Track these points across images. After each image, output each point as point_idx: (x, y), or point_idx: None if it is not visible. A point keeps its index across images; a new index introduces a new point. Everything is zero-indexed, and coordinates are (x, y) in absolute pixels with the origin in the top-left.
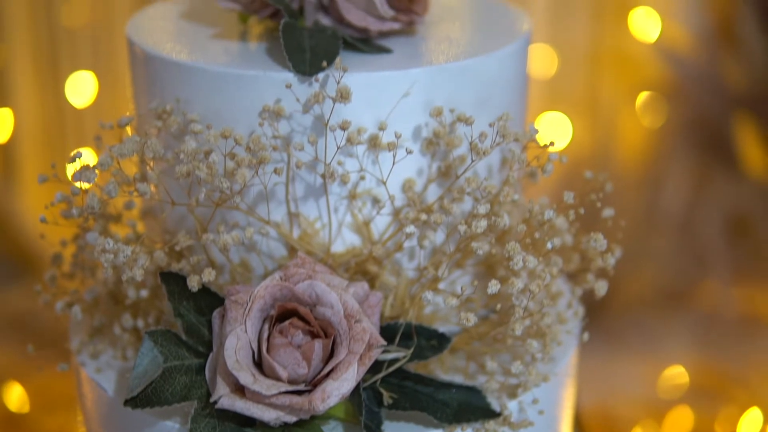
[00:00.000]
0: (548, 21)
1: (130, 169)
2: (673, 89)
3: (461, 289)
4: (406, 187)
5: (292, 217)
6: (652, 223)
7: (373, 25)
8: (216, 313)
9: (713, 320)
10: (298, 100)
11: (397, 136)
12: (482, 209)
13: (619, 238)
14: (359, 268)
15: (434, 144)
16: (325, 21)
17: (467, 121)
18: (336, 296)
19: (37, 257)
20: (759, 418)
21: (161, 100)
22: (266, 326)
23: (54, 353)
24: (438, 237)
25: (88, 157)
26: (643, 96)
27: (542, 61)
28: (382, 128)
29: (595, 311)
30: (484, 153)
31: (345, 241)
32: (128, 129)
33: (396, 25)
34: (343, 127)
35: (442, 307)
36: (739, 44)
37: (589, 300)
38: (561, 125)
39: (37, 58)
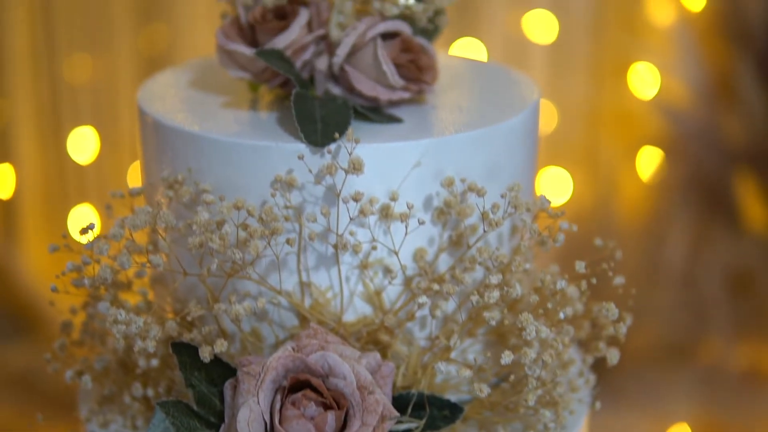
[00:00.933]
0: (548, 76)
1: (141, 236)
2: (673, 145)
3: (474, 359)
4: (418, 256)
5: (304, 286)
6: (653, 279)
7: (383, 95)
8: (228, 384)
9: (716, 376)
10: (310, 171)
11: (409, 207)
12: (494, 279)
13: (630, 305)
14: (371, 338)
15: (445, 213)
16: (336, 90)
17: (479, 193)
18: (349, 367)
19: (38, 314)
20: None
21: (172, 169)
22: (278, 397)
23: (60, 414)
24: (449, 306)
25: (90, 215)
26: (642, 151)
27: (542, 116)
28: (393, 198)
29: (597, 367)
30: (496, 224)
31: (356, 310)
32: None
33: (406, 95)
34: (356, 198)
35: (454, 375)
36: (738, 100)
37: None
38: (562, 180)
39: (39, 114)
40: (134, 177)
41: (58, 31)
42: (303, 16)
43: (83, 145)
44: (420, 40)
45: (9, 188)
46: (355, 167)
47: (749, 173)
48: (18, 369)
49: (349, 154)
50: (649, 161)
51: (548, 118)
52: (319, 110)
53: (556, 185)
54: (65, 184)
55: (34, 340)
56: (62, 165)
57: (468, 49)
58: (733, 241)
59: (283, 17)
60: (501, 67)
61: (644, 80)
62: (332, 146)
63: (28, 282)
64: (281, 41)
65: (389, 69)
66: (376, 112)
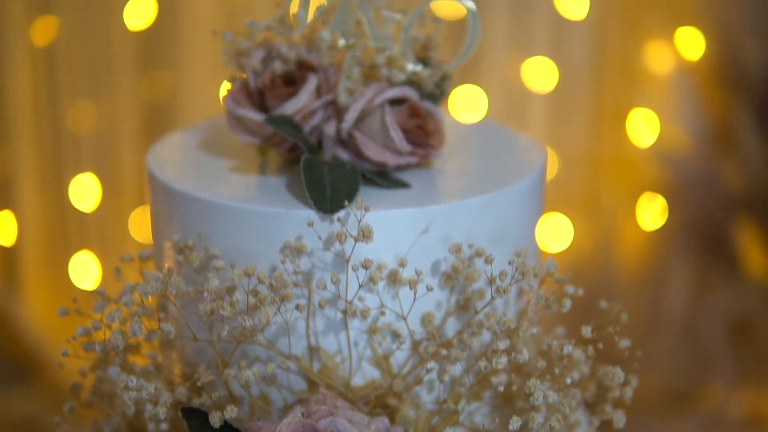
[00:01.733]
0: (548, 123)
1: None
2: (673, 192)
3: (482, 424)
4: (426, 321)
5: (313, 351)
6: (654, 325)
7: (391, 160)
8: None
9: (718, 423)
10: (319, 238)
11: (418, 274)
12: (502, 345)
13: (635, 368)
14: (379, 402)
15: (453, 279)
16: (344, 155)
17: (487, 260)
18: None
19: (40, 361)
20: None
21: (182, 234)
22: None
23: None
24: (457, 369)
25: (91, 260)
26: (643, 198)
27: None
28: (402, 265)
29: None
30: (504, 291)
31: (365, 374)
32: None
33: (413, 159)
34: (365, 266)
35: None
36: (737, 147)
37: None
38: (562, 227)
39: (41, 161)
40: (135, 224)
41: (60, 79)
42: (311, 81)
43: (85, 192)
44: (427, 105)
45: (11, 235)
46: (365, 235)
47: (749, 220)
48: (19, 416)
49: (359, 222)
50: (649, 208)
51: (549, 165)
52: (328, 176)
53: (556, 231)
54: (67, 231)
55: (35, 388)
56: (64, 212)
57: (468, 96)
58: (734, 288)
59: (291, 83)
60: (506, 130)
61: (644, 127)
62: (341, 213)
63: (30, 328)
64: (290, 107)
65: (397, 135)
66: (383, 177)
